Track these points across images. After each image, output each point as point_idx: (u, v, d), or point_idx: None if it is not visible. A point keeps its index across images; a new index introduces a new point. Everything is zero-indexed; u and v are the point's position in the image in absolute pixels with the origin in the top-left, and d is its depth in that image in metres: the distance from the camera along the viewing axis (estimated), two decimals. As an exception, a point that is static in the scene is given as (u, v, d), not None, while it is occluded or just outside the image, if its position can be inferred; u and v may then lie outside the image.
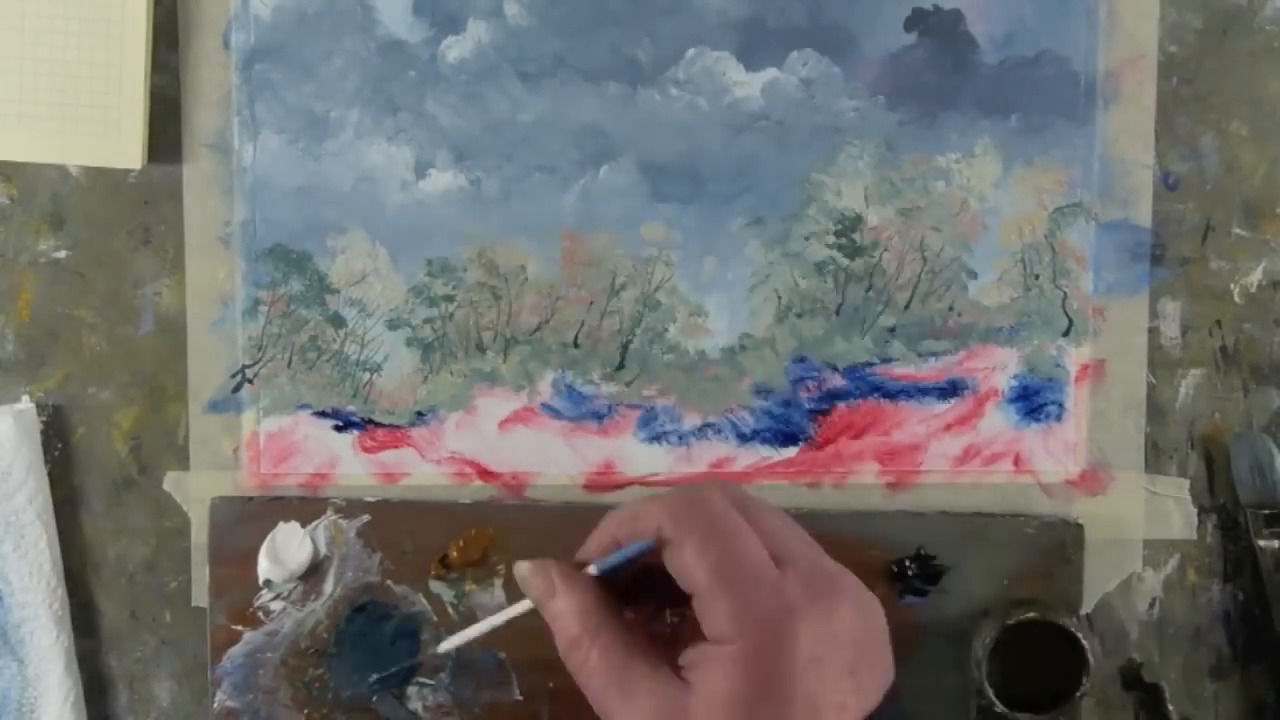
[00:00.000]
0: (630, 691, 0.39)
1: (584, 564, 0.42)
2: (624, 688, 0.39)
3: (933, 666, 0.57)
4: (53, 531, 0.57)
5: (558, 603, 0.41)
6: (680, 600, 0.40)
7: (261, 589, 0.57)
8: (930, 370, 0.58)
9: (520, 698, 0.57)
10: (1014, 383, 0.58)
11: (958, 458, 0.58)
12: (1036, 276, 0.58)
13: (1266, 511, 0.57)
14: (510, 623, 0.45)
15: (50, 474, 0.57)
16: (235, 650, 0.57)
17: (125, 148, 0.55)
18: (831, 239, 0.57)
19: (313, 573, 0.57)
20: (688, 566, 0.38)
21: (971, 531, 0.57)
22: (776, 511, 0.41)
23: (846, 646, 0.38)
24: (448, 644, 0.49)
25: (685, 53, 0.57)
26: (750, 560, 0.38)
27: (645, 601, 0.43)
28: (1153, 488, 0.58)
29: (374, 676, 0.57)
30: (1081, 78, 0.57)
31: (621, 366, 0.58)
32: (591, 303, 0.58)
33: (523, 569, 0.42)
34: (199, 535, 0.57)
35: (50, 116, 0.55)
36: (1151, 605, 0.58)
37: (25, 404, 0.57)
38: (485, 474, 0.58)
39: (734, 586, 0.37)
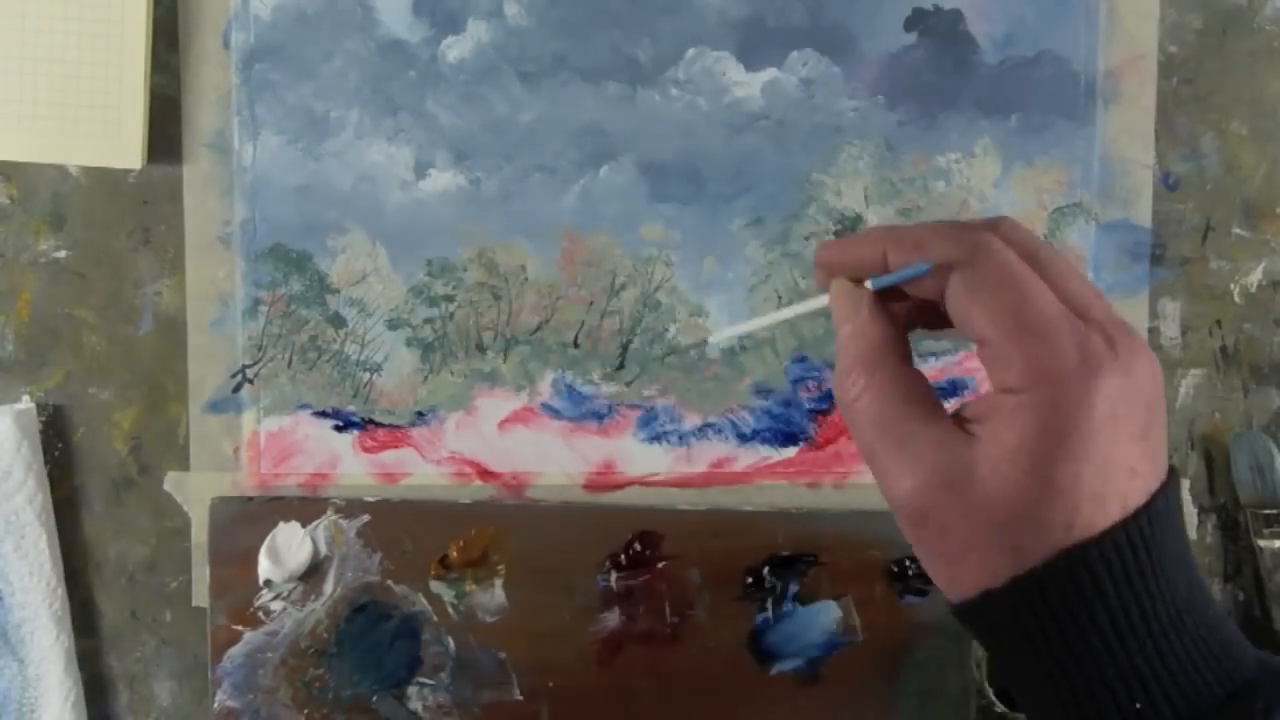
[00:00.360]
0: (905, 439, 0.36)
1: (834, 264, 0.39)
2: (898, 434, 0.36)
3: (933, 666, 0.57)
4: (53, 531, 0.57)
5: (855, 325, 0.38)
6: (936, 325, 0.38)
7: (261, 589, 0.57)
8: (930, 370, 0.58)
9: (520, 698, 0.57)
10: (1014, 383, 0.58)
11: (958, 458, 0.58)
12: (1036, 276, 0.57)
13: (1266, 511, 0.57)
14: (797, 318, 0.43)
15: (50, 474, 0.57)
16: (235, 650, 0.57)
17: (125, 148, 0.55)
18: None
19: (313, 573, 0.57)
20: (977, 311, 0.35)
21: (971, 531, 0.57)
22: (1067, 258, 0.38)
23: (1141, 408, 0.34)
24: (722, 334, 0.47)
25: (685, 53, 0.57)
26: (1046, 310, 0.34)
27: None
28: (1153, 488, 0.58)
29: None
30: (1081, 78, 0.57)
31: (621, 366, 0.58)
32: (591, 303, 0.58)
33: (835, 285, 0.39)
34: (199, 535, 0.57)
35: (50, 116, 0.55)
36: (1151, 605, 0.58)
37: (25, 404, 0.57)
38: (485, 474, 0.58)
39: (1031, 335, 0.34)
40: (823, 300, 0.41)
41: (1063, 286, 0.36)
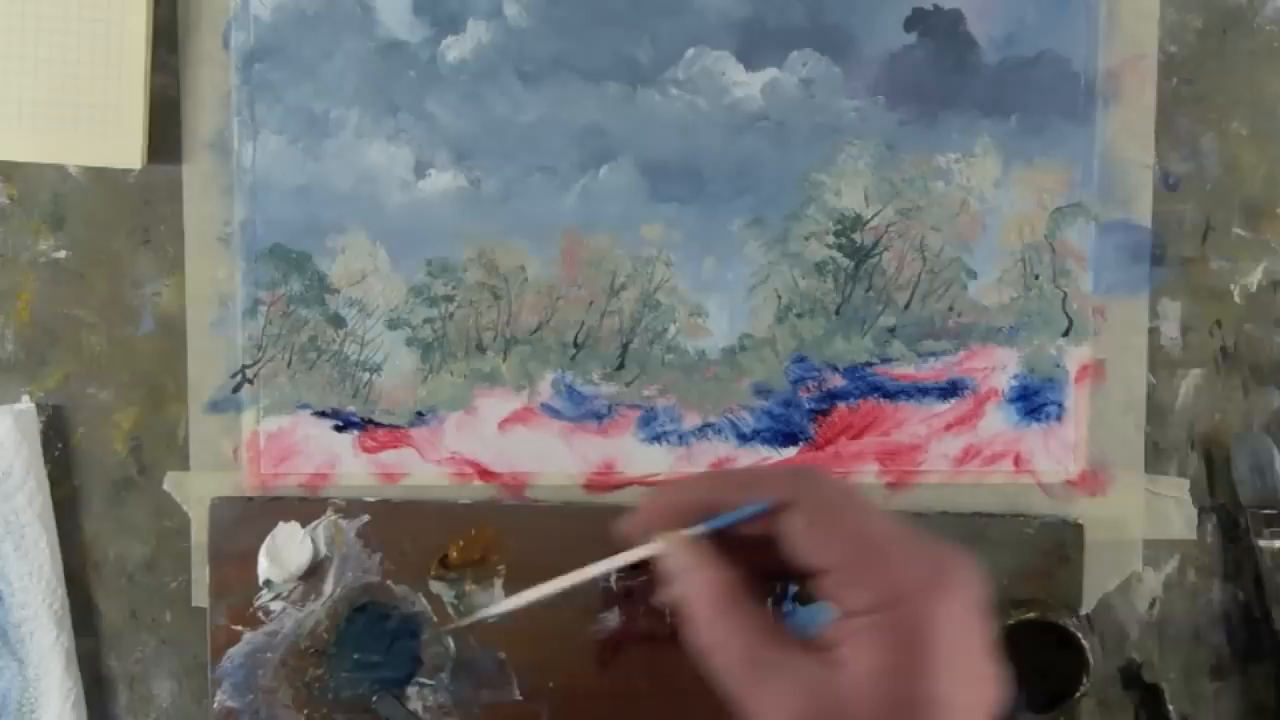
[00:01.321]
0: (770, 675, 0.37)
1: (656, 512, 0.40)
2: (767, 671, 0.37)
3: (933, 666, 0.57)
4: (53, 531, 0.57)
5: (695, 576, 0.39)
6: (777, 572, 0.39)
7: (261, 589, 0.57)
8: (930, 370, 0.58)
9: (520, 698, 0.57)
10: (1014, 383, 0.58)
11: (958, 458, 0.58)
12: (1036, 276, 0.58)
13: (1266, 511, 0.57)
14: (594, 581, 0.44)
15: (50, 474, 0.57)
16: (235, 650, 0.57)
17: (125, 148, 0.55)
18: (831, 239, 0.57)
19: (313, 573, 0.57)
20: (818, 540, 0.37)
21: (971, 531, 0.57)
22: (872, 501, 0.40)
23: (982, 618, 0.36)
24: (501, 608, 0.46)
25: (685, 53, 0.57)
26: (888, 529, 0.36)
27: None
28: (1153, 488, 0.58)
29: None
30: (1081, 78, 0.57)
31: (621, 366, 0.58)
32: (591, 303, 0.58)
33: (667, 544, 0.40)
34: (199, 535, 0.57)
35: (50, 116, 0.55)
36: (1151, 605, 0.58)
37: (25, 404, 0.57)
38: (485, 474, 0.58)
39: (875, 556, 0.36)
40: (633, 555, 0.42)
41: (883, 518, 0.37)
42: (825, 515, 0.37)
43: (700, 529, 0.39)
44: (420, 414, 0.58)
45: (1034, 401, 0.58)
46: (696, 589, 0.39)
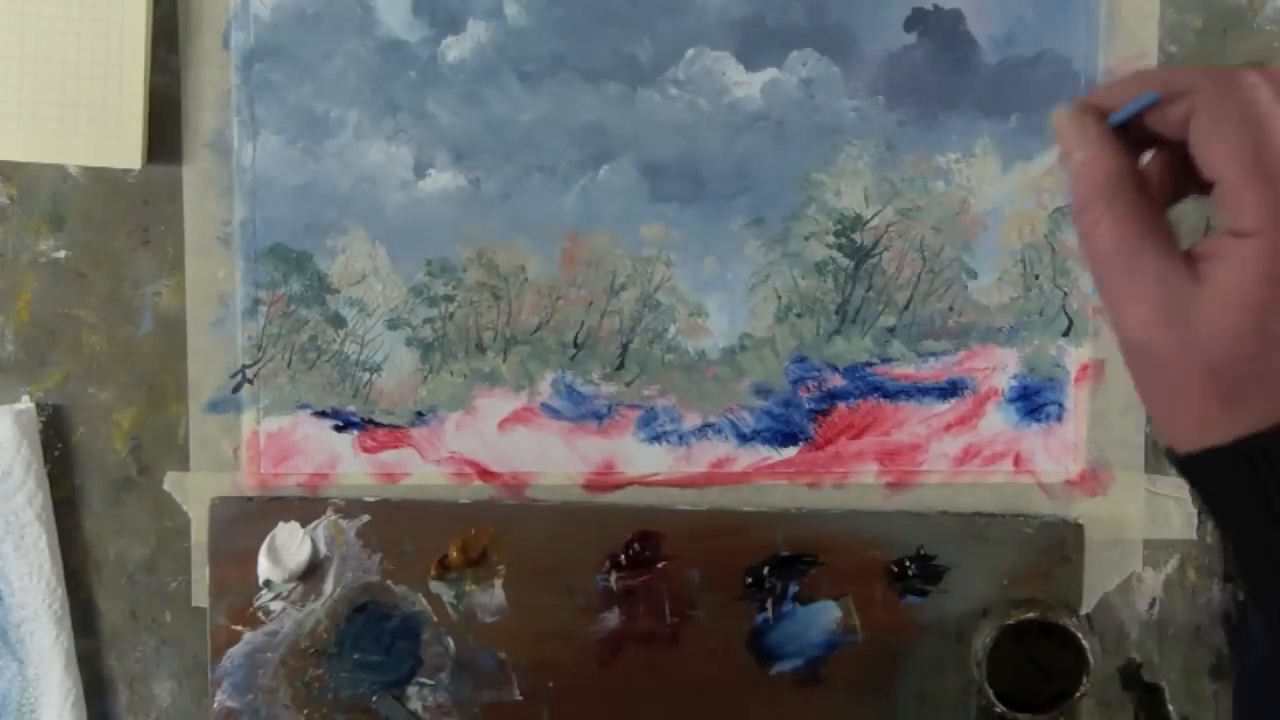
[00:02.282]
0: (1136, 270, 0.35)
1: (1096, 109, 0.38)
2: (1131, 264, 0.35)
3: (933, 666, 0.57)
4: (53, 531, 0.57)
5: (1086, 153, 0.37)
6: (1183, 185, 0.38)
7: (261, 589, 0.57)
8: (930, 370, 0.58)
9: (520, 698, 0.57)
10: (1014, 383, 0.58)
11: (958, 458, 0.58)
12: (1036, 276, 0.58)
13: (1267, 511, 0.57)
14: None
15: (50, 474, 0.57)
16: (235, 650, 0.57)
17: (125, 148, 0.55)
18: (831, 239, 0.57)
19: (313, 573, 0.57)
20: (1220, 147, 0.34)
21: (971, 531, 0.57)
22: None
23: None
24: None
25: (685, 53, 0.57)
26: None
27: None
28: (1153, 488, 0.58)
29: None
30: (1081, 78, 0.57)
31: (621, 366, 0.58)
32: (591, 303, 0.58)
33: (1060, 114, 0.38)
34: (199, 535, 0.57)
35: (50, 116, 0.55)
36: (1151, 605, 0.58)
37: (25, 404, 0.57)
38: (485, 474, 0.58)
39: (1269, 177, 0.33)
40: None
41: None
42: (1234, 119, 0.34)
43: (1111, 118, 0.38)
44: (420, 414, 0.58)
45: (1034, 401, 0.58)
46: (1080, 167, 0.37)
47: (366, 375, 0.58)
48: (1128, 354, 0.36)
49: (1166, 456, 0.36)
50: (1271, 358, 0.33)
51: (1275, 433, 0.32)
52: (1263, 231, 0.33)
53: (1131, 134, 0.38)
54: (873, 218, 0.57)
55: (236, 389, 0.58)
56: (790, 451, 0.58)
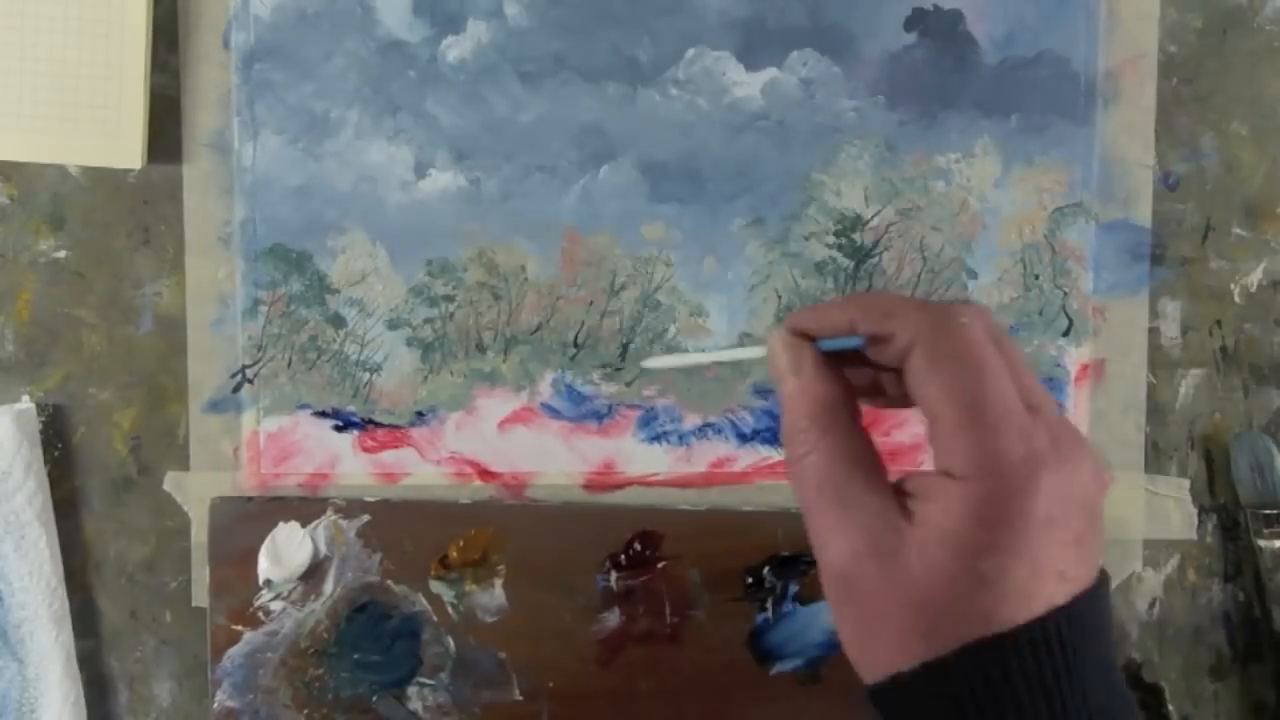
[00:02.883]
0: (845, 502, 0.36)
1: (804, 333, 0.39)
2: (840, 496, 0.36)
3: (933, 666, 0.57)
4: (53, 531, 0.57)
5: (799, 381, 0.38)
6: (885, 398, 0.38)
7: (261, 589, 0.57)
8: (930, 370, 0.58)
9: (520, 698, 0.57)
10: (1014, 383, 0.58)
11: (958, 458, 0.58)
12: (1036, 276, 0.58)
13: (1266, 511, 0.57)
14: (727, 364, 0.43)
15: (50, 474, 0.57)
16: (235, 650, 0.57)
17: (125, 148, 0.55)
18: (831, 239, 0.57)
19: (313, 573, 0.57)
20: (935, 390, 0.35)
21: (971, 531, 0.57)
22: (1021, 352, 0.37)
23: (1078, 511, 0.34)
24: (659, 361, 0.47)
25: (685, 53, 0.57)
26: (1004, 399, 0.34)
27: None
28: (1153, 488, 0.58)
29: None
30: (1081, 78, 0.57)
31: (621, 367, 0.58)
32: (591, 303, 0.58)
33: (775, 339, 0.39)
34: (199, 535, 0.57)
35: (50, 116, 0.55)
36: (1151, 605, 0.58)
37: (25, 404, 0.57)
38: (485, 474, 0.58)
39: (983, 424, 0.34)
40: (753, 351, 0.41)
41: (1017, 379, 0.35)
42: (951, 359, 0.35)
43: (819, 345, 0.38)
44: (420, 414, 0.58)
45: (1034, 401, 0.58)
46: (792, 395, 0.38)
47: (366, 375, 0.58)
48: (830, 583, 0.36)
49: (865, 696, 0.36)
50: (977, 595, 0.33)
51: (955, 657, 0.33)
52: (973, 477, 0.34)
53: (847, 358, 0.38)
54: (873, 218, 0.57)
55: (236, 389, 0.58)
56: (790, 451, 0.58)
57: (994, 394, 0.34)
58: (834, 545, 0.36)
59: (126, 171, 0.56)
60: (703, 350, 0.58)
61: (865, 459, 0.37)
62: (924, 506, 0.35)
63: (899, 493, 0.36)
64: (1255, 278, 0.58)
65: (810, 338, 0.39)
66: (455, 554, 0.57)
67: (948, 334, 0.35)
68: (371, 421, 0.58)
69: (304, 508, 0.57)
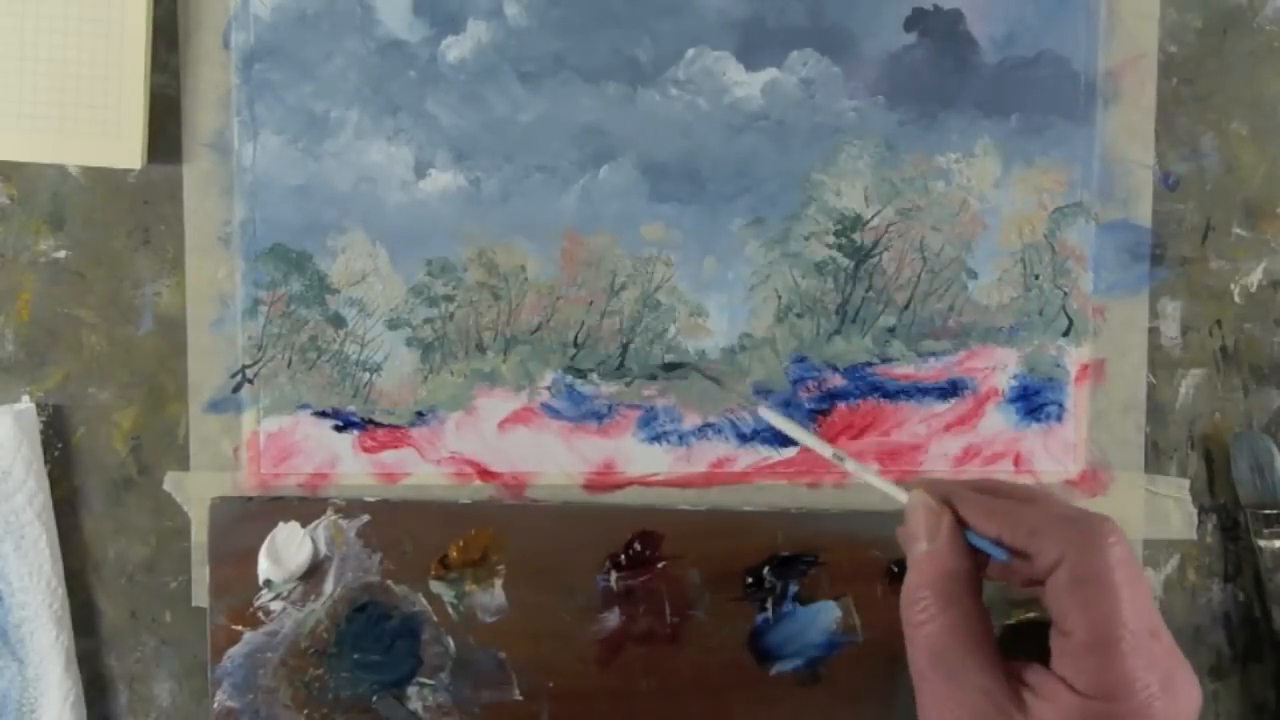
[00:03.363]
0: (956, 679, 0.37)
1: (945, 501, 0.40)
2: (954, 671, 0.37)
3: (933, 666, 0.57)
4: (53, 531, 0.57)
5: (933, 546, 0.39)
6: (1010, 576, 0.40)
7: (261, 589, 0.57)
8: (930, 370, 0.58)
9: (520, 698, 0.57)
10: (1014, 383, 0.58)
11: (958, 458, 0.58)
12: (1036, 276, 0.58)
13: (1266, 511, 0.57)
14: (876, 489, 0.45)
15: (50, 474, 0.57)
16: (235, 650, 0.57)
17: (125, 148, 0.55)
18: (831, 239, 0.57)
19: (313, 573, 0.57)
20: (1075, 609, 0.37)
21: (971, 531, 0.57)
22: (1145, 576, 0.40)
23: None
24: (770, 415, 0.48)
25: (685, 53, 0.57)
26: (1137, 629, 0.36)
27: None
28: (1153, 488, 0.58)
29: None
30: (1081, 78, 0.57)
31: (621, 366, 0.58)
32: (591, 303, 0.58)
33: (918, 499, 0.40)
34: (199, 535, 0.57)
35: (50, 116, 0.55)
36: (1151, 605, 0.58)
37: (25, 404, 0.57)
38: (485, 474, 0.58)
39: (1115, 651, 0.36)
40: (896, 492, 0.42)
41: (1146, 604, 0.37)
42: (1090, 586, 0.37)
43: (950, 513, 0.40)
44: (420, 414, 0.58)
45: (1034, 401, 0.58)
46: (923, 558, 0.39)
47: (366, 375, 0.58)
48: None
49: None
50: None
51: None
52: (1095, 696, 0.35)
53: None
54: (873, 218, 0.57)
55: (236, 389, 0.58)
56: (790, 451, 0.58)
57: (1130, 622, 0.36)
58: (939, 715, 0.37)
59: (126, 171, 0.56)
60: (702, 351, 0.58)
61: (982, 637, 0.38)
62: (1040, 705, 0.36)
63: (1014, 677, 0.37)
64: (1255, 278, 0.58)
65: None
66: (455, 554, 0.57)
67: (1093, 556, 0.37)
68: (371, 421, 0.58)
69: (304, 508, 0.57)
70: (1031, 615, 0.54)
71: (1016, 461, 0.58)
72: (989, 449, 0.58)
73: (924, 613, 0.38)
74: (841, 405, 0.58)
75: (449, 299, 0.57)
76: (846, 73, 0.57)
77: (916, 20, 0.56)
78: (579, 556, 0.57)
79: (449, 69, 0.57)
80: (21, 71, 0.55)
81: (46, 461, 0.57)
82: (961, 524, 0.40)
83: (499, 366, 0.58)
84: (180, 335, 0.57)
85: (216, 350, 0.57)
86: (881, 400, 0.58)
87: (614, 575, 0.57)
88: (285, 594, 0.57)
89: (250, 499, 0.57)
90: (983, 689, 0.37)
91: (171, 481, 0.58)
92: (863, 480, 0.45)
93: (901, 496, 0.42)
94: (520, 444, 0.58)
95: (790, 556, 0.57)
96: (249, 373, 0.58)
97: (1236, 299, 0.58)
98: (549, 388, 0.58)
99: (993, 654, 0.38)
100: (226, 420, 0.58)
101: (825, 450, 0.45)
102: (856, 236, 0.57)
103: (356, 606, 0.57)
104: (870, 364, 0.58)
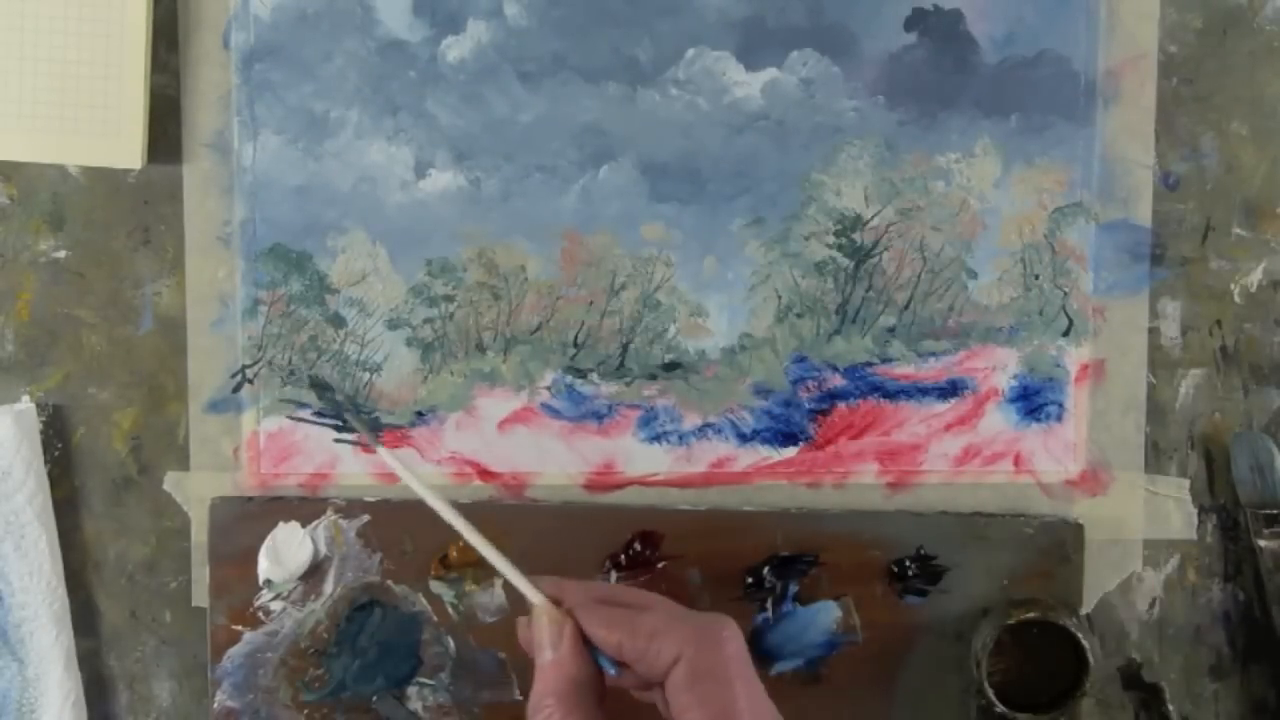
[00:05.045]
0: None
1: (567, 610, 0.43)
2: None
3: (933, 666, 0.57)
4: (53, 531, 0.57)
5: (556, 655, 0.42)
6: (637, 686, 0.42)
7: (261, 589, 0.57)
8: (930, 370, 0.58)
9: (520, 698, 0.57)
10: (1014, 383, 0.58)
11: (958, 458, 0.58)
12: (1036, 276, 0.58)
13: (1266, 511, 0.57)
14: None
15: (50, 474, 0.57)
16: (235, 650, 0.57)
17: (125, 148, 0.55)
18: (831, 239, 0.57)
19: (313, 573, 0.57)
20: (694, 702, 0.39)
21: (971, 531, 0.57)
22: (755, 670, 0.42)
23: None
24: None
25: (685, 53, 0.57)
26: (756, 715, 0.39)
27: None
28: (1153, 488, 0.58)
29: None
30: (1081, 78, 0.57)
31: (621, 366, 0.58)
32: (591, 303, 0.58)
33: (541, 609, 0.43)
34: (199, 535, 0.57)
35: (50, 116, 0.55)
36: (1151, 605, 0.58)
37: (25, 404, 0.57)
38: (485, 474, 0.58)
39: None
40: (531, 593, 0.44)
41: (759, 695, 0.40)
42: (705, 680, 0.39)
43: (573, 622, 0.42)
44: (420, 414, 0.58)
45: (1034, 401, 0.58)
46: (546, 667, 0.41)
47: (366, 375, 0.58)
48: None
49: None
50: None
51: None
52: None
53: None
54: (873, 218, 0.57)
55: (236, 389, 0.58)
56: (790, 451, 0.58)
57: (745, 714, 0.39)
58: None
59: (126, 171, 0.56)
60: (702, 351, 0.58)
61: None
62: None
63: None
64: (1255, 278, 0.58)
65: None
66: (455, 554, 0.57)
67: (710, 651, 0.40)
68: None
69: (304, 508, 0.57)
70: (1031, 615, 0.54)
71: (1016, 461, 0.58)
72: (989, 449, 0.58)
73: (543, 715, 0.40)
74: (841, 405, 0.58)
75: (449, 299, 0.57)
76: (846, 73, 0.57)
77: (916, 20, 0.56)
78: (579, 556, 0.57)
79: (449, 69, 0.57)
80: (21, 71, 0.55)
81: (46, 461, 0.57)
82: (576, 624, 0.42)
83: (499, 366, 0.58)
84: (180, 335, 0.57)
85: (216, 350, 0.57)
86: (881, 400, 0.58)
87: (614, 575, 0.57)
88: (285, 594, 0.57)
89: (250, 499, 0.57)
90: None
91: (171, 481, 0.58)
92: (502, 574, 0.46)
93: (536, 598, 0.44)
94: (520, 444, 0.58)
95: (790, 556, 0.57)
96: (249, 373, 0.58)
97: (1236, 299, 0.58)
98: (549, 388, 0.58)
99: None
100: (226, 420, 0.58)
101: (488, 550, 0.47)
102: (856, 236, 0.57)
103: (356, 606, 0.57)
104: (870, 364, 0.58)
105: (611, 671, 0.42)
